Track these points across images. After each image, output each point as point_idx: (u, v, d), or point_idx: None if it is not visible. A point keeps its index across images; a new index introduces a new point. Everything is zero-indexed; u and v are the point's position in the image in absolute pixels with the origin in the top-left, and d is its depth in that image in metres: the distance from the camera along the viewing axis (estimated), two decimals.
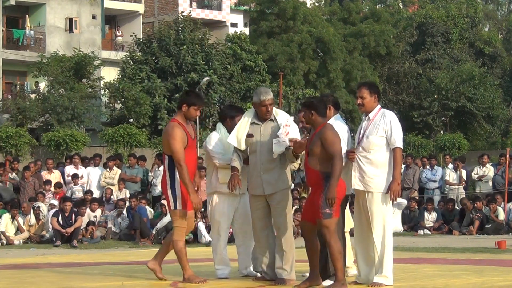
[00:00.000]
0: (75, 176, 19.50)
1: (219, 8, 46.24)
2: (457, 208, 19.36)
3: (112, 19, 44.16)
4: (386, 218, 8.37)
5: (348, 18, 42.51)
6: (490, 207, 18.47)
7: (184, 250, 8.72)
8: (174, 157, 8.59)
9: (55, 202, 18.05)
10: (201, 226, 16.34)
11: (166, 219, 16.64)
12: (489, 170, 20.34)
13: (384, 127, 8.37)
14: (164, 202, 17.52)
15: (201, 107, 8.92)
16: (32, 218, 17.45)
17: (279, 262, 8.54)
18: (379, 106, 8.60)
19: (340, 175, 7.95)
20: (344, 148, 8.27)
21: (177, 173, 8.60)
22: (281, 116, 8.66)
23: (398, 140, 8.37)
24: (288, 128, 8.44)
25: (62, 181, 19.58)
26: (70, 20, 40.23)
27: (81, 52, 34.42)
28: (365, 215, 8.43)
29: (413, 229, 18.69)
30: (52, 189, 18.96)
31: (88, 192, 18.91)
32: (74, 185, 19.45)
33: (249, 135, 8.62)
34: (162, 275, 8.94)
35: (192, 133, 8.81)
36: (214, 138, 9.18)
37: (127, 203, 18.21)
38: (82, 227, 17.08)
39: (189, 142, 8.67)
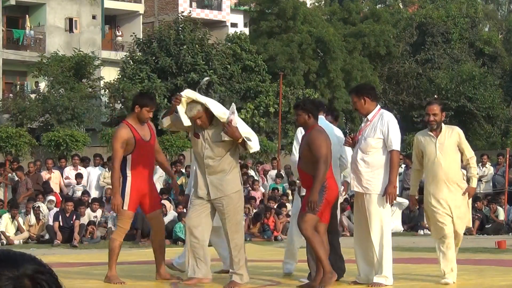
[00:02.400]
0: (78, 176, 19.56)
1: (219, 8, 46.23)
2: None
3: (112, 19, 44.16)
4: (384, 219, 8.38)
5: (348, 18, 42.50)
6: (490, 207, 18.47)
7: (117, 250, 8.85)
8: (111, 156, 9.00)
9: (53, 198, 18.07)
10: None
11: (166, 219, 16.64)
12: (489, 170, 20.34)
13: (381, 129, 8.37)
14: (163, 202, 17.54)
15: (153, 108, 9.05)
16: (32, 218, 17.45)
17: (232, 267, 8.54)
18: (378, 107, 8.59)
19: (323, 178, 7.90)
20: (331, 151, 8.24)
21: (127, 175, 8.75)
22: (222, 113, 8.40)
23: (395, 143, 8.37)
24: (232, 116, 8.25)
25: (62, 182, 19.60)
26: (70, 20, 40.22)
27: (81, 52, 34.41)
28: (363, 216, 8.45)
29: (413, 229, 18.69)
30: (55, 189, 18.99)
31: (85, 193, 18.94)
32: (77, 184, 19.51)
33: (196, 135, 8.54)
34: (172, 277, 9.06)
35: (146, 134, 8.88)
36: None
37: None
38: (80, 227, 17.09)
39: (138, 143, 8.79)
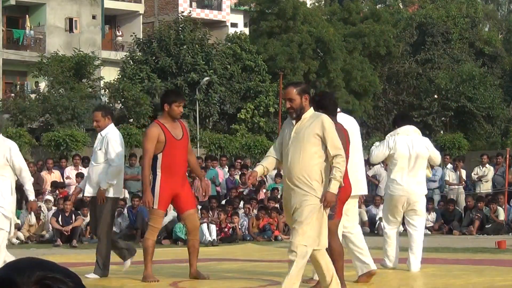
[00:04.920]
0: (79, 175, 19.57)
1: (219, 8, 46.24)
2: (457, 208, 19.38)
3: (112, 19, 44.16)
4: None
5: (348, 18, 42.50)
6: (490, 207, 18.48)
7: (151, 249, 8.96)
8: (142, 155, 9.02)
9: (50, 198, 18.08)
10: (204, 226, 16.35)
11: (166, 219, 16.63)
12: (489, 170, 20.35)
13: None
14: None
15: (182, 102, 9.05)
16: (32, 218, 17.46)
17: None
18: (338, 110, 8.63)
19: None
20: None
21: (157, 173, 8.73)
22: None
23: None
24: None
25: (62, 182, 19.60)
26: (70, 20, 40.23)
27: (81, 52, 34.42)
28: None
29: None
30: (49, 188, 18.98)
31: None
32: (78, 184, 19.50)
33: None
34: (202, 275, 9.09)
35: (178, 133, 8.89)
36: None
37: (128, 203, 18.22)
38: (82, 227, 17.09)
39: (169, 142, 8.83)
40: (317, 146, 7.14)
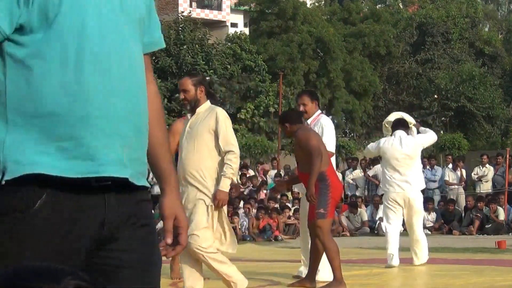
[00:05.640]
0: None
1: (219, 8, 46.24)
2: (457, 208, 19.38)
3: None
4: None
5: (348, 18, 42.50)
6: (490, 207, 18.47)
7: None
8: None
9: None
10: None
11: None
12: (489, 170, 20.35)
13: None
14: None
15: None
16: None
17: None
18: (318, 111, 8.92)
19: (318, 170, 7.92)
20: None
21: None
22: None
23: (329, 146, 8.56)
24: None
25: None
26: None
27: None
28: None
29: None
30: None
31: None
32: None
33: None
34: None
35: None
36: None
37: None
38: None
39: None
40: (212, 142, 6.80)
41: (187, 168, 6.79)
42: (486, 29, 49.25)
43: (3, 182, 2.19)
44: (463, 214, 19.08)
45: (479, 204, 18.56)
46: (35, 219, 2.20)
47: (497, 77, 43.31)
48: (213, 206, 6.73)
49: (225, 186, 6.70)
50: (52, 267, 1.57)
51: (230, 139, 6.76)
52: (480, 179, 20.43)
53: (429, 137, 10.83)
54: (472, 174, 20.67)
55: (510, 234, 17.64)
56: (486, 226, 18.17)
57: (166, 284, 8.76)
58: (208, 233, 6.76)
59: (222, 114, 6.83)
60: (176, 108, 32.92)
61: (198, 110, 6.92)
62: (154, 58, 35.09)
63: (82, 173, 2.22)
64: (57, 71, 2.22)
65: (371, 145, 11.00)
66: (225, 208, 6.94)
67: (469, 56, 43.84)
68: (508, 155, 19.59)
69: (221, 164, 6.76)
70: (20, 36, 2.22)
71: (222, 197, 6.71)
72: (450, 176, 20.51)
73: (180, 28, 35.70)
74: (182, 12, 39.74)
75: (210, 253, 6.73)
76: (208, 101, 6.97)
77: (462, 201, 19.92)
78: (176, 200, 2.50)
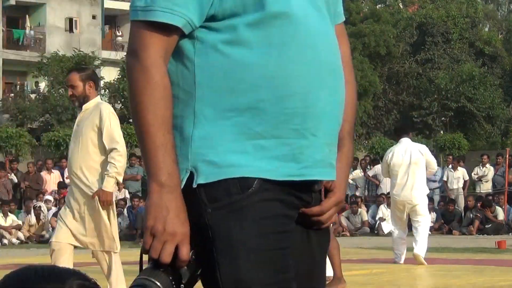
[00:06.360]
0: None
1: None
2: (457, 208, 19.37)
3: (112, 19, 44.16)
4: None
5: (348, 18, 42.50)
6: (486, 209, 18.40)
7: None
8: None
9: (50, 198, 18.09)
10: None
11: None
12: (489, 170, 20.35)
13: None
14: None
15: None
16: (32, 218, 17.46)
17: None
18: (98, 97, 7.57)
19: None
20: None
21: None
22: None
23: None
24: None
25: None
26: (70, 20, 40.23)
27: (81, 52, 34.43)
28: None
29: None
30: (49, 188, 19.00)
31: None
32: None
33: None
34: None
35: None
36: None
37: (128, 203, 18.24)
38: None
39: None
40: (97, 139, 6.46)
41: (72, 167, 6.53)
42: (486, 29, 49.24)
43: (195, 185, 1.97)
44: (463, 214, 19.08)
45: (479, 204, 18.56)
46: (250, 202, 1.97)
47: (497, 77, 43.30)
48: (99, 206, 6.46)
49: (108, 185, 6.42)
50: (56, 267, 1.58)
51: (114, 137, 6.41)
52: (480, 179, 20.43)
53: (432, 158, 11.12)
54: (472, 174, 20.67)
55: (510, 234, 17.65)
56: (486, 226, 18.17)
57: None
58: (103, 234, 6.57)
59: (106, 110, 6.46)
60: None
61: (85, 106, 6.56)
62: None
63: (284, 176, 1.99)
64: (260, 61, 1.97)
65: (381, 166, 11.90)
66: (113, 207, 6.67)
67: (469, 56, 43.83)
68: (508, 155, 19.59)
69: (107, 163, 6.42)
70: (215, 22, 1.99)
71: (106, 197, 6.42)
72: (450, 176, 20.49)
73: None
74: None
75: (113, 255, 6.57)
76: (98, 97, 6.68)
77: (462, 201, 19.92)
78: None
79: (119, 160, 6.40)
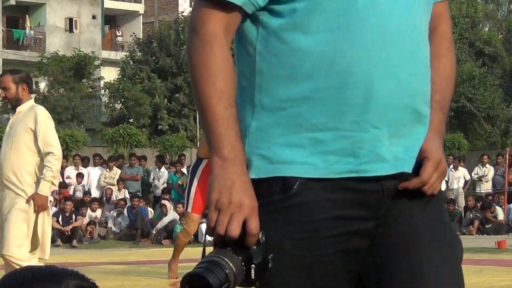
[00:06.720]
0: (79, 176, 19.61)
1: None
2: (457, 208, 19.37)
3: (112, 19, 44.17)
4: None
5: None
6: (485, 211, 18.39)
7: (180, 248, 8.99)
8: None
9: (50, 198, 18.12)
10: (203, 226, 16.36)
11: (166, 219, 16.66)
12: (489, 170, 20.36)
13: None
14: (164, 202, 17.55)
15: None
16: None
17: None
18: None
19: None
20: None
21: (195, 176, 8.62)
22: None
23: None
24: None
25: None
26: (70, 20, 40.23)
27: (81, 52, 34.44)
28: None
29: None
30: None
31: (87, 193, 18.96)
32: (78, 184, 19.57)
33: None
34: None
35: None
36: None
37: (128, 203, 18.25)
38: (82, 227, 17.10)
39: None
40: (32, 142, 6.36)
41: (4, 170, 6.40)
42: (486, 29, 49.25)
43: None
44: (463, 214, 19.08)
45: (479, 204, 18.57)
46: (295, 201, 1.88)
47: (497, 77, 43.31)
48: (33, 211, 6.31)
49: (44, 189, 6.31)
50: (54, 268, 1.58)
51: (50, 140, 6.35)
52: (480, 179, 20.43)
53: None
54: (472, 174, 20.67)
55: (510, 234, 17.65)
56: (486, 226, 18.18)
57: (166, 284, 8.77)
58: (22, 241, 6.33)
59: (42, 114, 6.39)
60: (176, 108, 32.92)
61: (18, 109, 6.50)
62: (154, 58, 35.10)
63: (339, 173, 1.87)
64: (317, 47, 1.85)
65: None
66: (48, 212, 6.51)
67: (469, 56, 43.84)
68: (508, 155, 19.60)
69: (42, 166, 6.35)
70: (279, 5, 1.89)
71: (40, 202, 6.30)
72: (451, 176, 20.49)
73: (180, 28, 35.67)
74: (182, 12, 39.73)
75: (24, 262, 6.23)
76: (32, 99, 6.60)
77: (462, 201, 19.92)
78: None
79: (55, 164, 6.32)
